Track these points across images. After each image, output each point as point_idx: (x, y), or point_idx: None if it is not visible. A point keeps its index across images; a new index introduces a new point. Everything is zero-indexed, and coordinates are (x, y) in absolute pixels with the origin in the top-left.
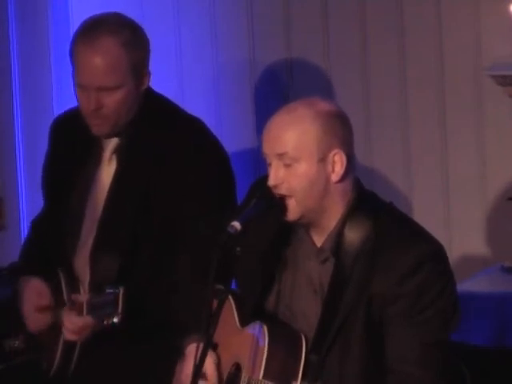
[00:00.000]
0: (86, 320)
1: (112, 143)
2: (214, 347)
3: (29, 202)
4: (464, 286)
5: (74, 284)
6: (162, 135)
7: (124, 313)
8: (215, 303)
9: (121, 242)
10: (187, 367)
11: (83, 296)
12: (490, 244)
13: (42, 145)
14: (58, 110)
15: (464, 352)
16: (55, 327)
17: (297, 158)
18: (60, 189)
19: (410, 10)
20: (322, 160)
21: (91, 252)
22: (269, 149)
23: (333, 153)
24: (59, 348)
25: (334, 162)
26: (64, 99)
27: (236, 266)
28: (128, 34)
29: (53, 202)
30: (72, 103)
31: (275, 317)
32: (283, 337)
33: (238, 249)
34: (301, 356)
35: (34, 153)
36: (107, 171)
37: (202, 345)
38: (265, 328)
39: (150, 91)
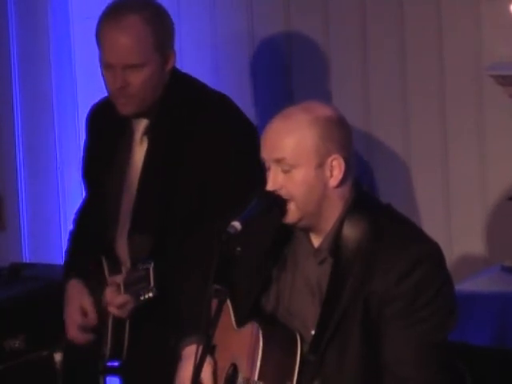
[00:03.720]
0: (125, 297)
1: (142, 124)
2: (213, 348)
3: (29, 202)
4: (464, 285)
5: (116, 267)
6: (191, 113)
7: (157, 288)
8: (215, 303)
9: (154, 222)
10: (185, 371)
11: (119, 276)
12: (490, 244)
13: (43, 145)
14: (58, 109)
15: (464, 352)
16: (102, 315)
17: (295, 165)
18: (100, 176)
19: (410, 9)
20: (320, 166)
21: (128, 233)
22: (267, 154)
23: (331, 158)
24: (109, 333)
25: (332, 167)
26: (64, 99)
27: (236, 266)
28: (151, 12)
29: (94, 190)
30: (72, 103)
31: (274, 317)
32: (278, 337)
33: (238, 249)
34: (296, 356)
35: (34, 153)
36: (139, 152)
37: (201, 346)
38: (260, 329)
39: (175, 70)
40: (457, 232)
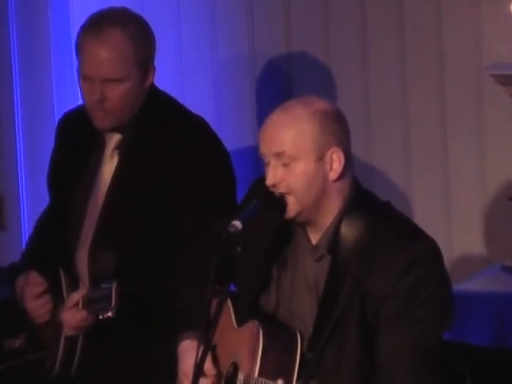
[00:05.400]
0: (82, 314)
1: (114, 139)
2: (213, 347)
3: (29, 202)
4: (464, 285)
5: (74, 281)
6: (164, 133)
7: (119, 307)
8: (215, 303)
9: (119, 239)
10: (184, 365)
11: (79, 292)
12: (490, 244)
13: (43, 145)
14: (59, 109)
15: (464, 352)
16: (55, 327)
17: (294, 157)
18: (65, 186)
19: (410, 9)
20: (320, 158)
21: (90, 248)
22: (266, 148)
23: (330, 151)
24: (60, 347)
25: (331, 160)
26: (64, 99)
27: (236, 266)
28: (134, 28)
29: (58, 200)
30: (72, 103)
31: (274, 316)
32: (278, 335)
33: (239, 248)
34: (296, 354)
35: (34, 153)
36: (109, 167)
37: (201, 345)
38: (260, 327)
39: (154, 88)
40: (457, 232)
